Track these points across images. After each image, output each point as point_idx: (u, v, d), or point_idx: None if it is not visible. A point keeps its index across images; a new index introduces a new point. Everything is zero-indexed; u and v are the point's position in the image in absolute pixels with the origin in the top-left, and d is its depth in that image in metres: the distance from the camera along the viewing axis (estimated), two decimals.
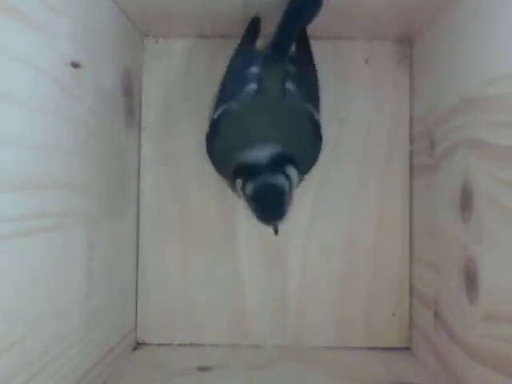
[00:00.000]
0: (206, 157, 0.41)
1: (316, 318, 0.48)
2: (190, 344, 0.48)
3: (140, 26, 0.47)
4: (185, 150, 0.48)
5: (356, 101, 0.49)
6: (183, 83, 0.49)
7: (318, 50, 0.49)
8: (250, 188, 0.36)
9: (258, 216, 0.37)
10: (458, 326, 0.36)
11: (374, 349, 0.47)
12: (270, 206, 0.36)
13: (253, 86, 0.39)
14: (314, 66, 0.43)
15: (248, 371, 0.42)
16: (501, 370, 0.30)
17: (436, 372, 0.40)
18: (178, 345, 0.48)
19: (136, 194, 0.48)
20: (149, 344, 0.48)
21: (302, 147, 0.39)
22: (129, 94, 0.45)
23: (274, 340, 0.48)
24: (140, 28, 0.47)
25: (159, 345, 0.48)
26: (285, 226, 0.48)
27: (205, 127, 0.42)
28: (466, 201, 0.35)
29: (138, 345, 0.48)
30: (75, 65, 0.33)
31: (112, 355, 0.41)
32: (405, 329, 0.48)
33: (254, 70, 0.40)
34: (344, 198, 0.48)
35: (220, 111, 0.40)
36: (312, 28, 0.46)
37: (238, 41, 0.43)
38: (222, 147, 0.40)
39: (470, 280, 0.34)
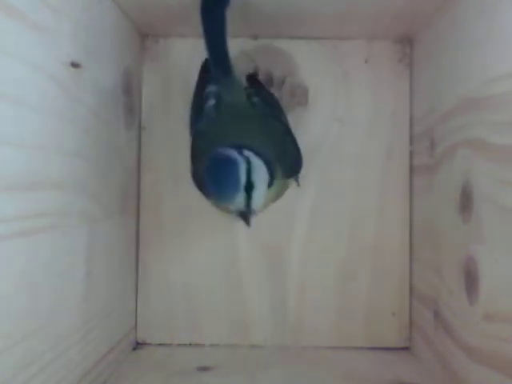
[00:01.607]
0: None
1: (316, 319, 0.48)
2: (190, 344, 0.48)
3: (140, 25, 0.47)
4: (185, 149, 0.48)
5: (356, 101, 0.49)
6: (183, 83, 0.49)
7: (318, 49, 0.49)
8: (203, 167, 0.34)
9: (212, 193, 0.34)
10: (458, 325, 0.36)
11: (374, 349, 0.47)
12: (221, 177, 0.33)
13: (211, 102, 0.40)
14: (272, 94, 0.45)
15: (248, 371, 0.42)
16: (501, 369, 0.30)
17: (436, 372, 0.40)
18: (178, 345, 0.48)
19: (136, 194, 0.48)
20: (149, 344, 0.48)
21: (277, 151, 0.38)
22: (129, 94, 0.45)
23: (274, 340, 0.48)
24: (140, 28, 0.47)
25: (159, 345, 0.48)
26: (285, 225, 0.48)
27: None
28: (466, 201, 0.35)
29: (138, 345, 0.48)
30: (75, 65, 0.33)
31: (112, 355, 0.41)
32: (405, 329, 0.48)
33: (210, 88, 0.40)
34: (344, 198, 0.48)
35: (191, 137, 0.40)
36: (312, 28, 0.47)
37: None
38: (199, 166, 0.37)
39: (470, 280, 0.34)
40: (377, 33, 0.47)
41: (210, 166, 0.34)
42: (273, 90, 0.48)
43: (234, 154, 0.34)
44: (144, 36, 0.49)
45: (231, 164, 0.33)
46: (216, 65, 0.40)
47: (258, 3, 0.41)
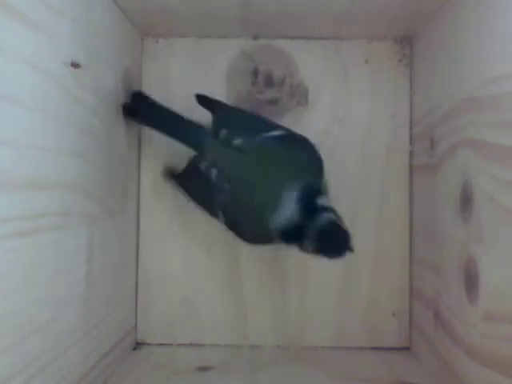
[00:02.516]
0: None
1: (316, 318, 0.48)
2: (190, 344, 0.48)
3: (140, 26, 0.47)
4: (185, 149, 0.48)
5: (356, 101, 0.49)
6: (183, 83, 0.49)
7: (318, 49, 0.49)
8: (312, 244, 0.36)
9: (326, 257, 0.37)
10: (458, 325, 0.36)
11: (374, 349, 0.47)
12: (339, 243, 0.36)
13: (213, 174, 0.40)
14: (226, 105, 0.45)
15: (248, 371, 0.42)
16: (501, 370, 0.30)
17: (436, 372, 0.40)
18: (178, 345, 0.48)
19: (136, 194, 0.48)
20: (149, 344, 0.48)
21: (302, 172, 0.39)
22: (129, 93, 0.45)
23: (274, 340, 0.48)
24: (140, 28, 0.47)
25: (159, 345, 0.48)
26: None
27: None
28: (466, 201, 0.35)
29: (138, 345, 0.48)
30: (75, 65, 0.33)
31: (112, 355, 0.41)
32: (405, 329, 0.48)
33: (202, 165, 0.41)
34: (344, 198, 0.48)
35: (221, 215, 0.41)
36: (312, 28, 0.47)
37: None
38: (240, 222, 0.40)
39: (470, 280, 0.34)
40: (377, 33, 0.47)
41: (324, 239, 0.36)
42: (273, 90, 0.49)
43: (329, 217, 0.36)
44: (144, 36, 0.49)
45: (344, 236, 0.36)
46: (194, 144, 0.42)
47: (257, 3, 0.41)
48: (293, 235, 0.37)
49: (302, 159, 0.40)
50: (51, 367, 0.30)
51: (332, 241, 0.36)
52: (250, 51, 0.49)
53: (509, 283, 0.29)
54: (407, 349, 0.48)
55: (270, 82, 0.49)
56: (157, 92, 0.49)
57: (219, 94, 0.49)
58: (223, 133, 0.40)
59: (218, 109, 0.43)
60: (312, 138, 0.48)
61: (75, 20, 0.33)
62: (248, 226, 0.40)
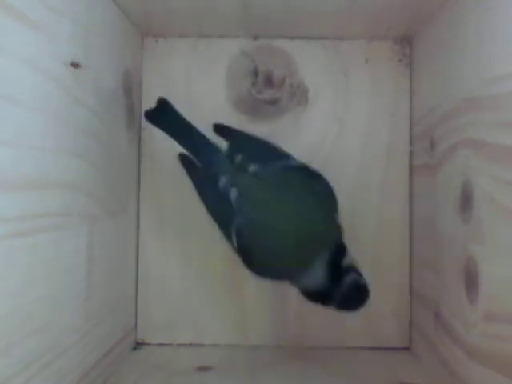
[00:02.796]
0: None
1: (316, 318, 0.48)
2: (190, 344, 0.48)
3: (140, 26, 0.47)
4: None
5: (356, 101, 0.49)
6: (183, 83, 0.49)
7: (318, 49, 0.49)
8: (334, 305, 0.38)
9: (345, 310, 0.39)
10: (458, 325, 0.36)
11: (374, 349, 0.47)
12: (360, 301, 0.38)
13: (233, 194, 0.40)
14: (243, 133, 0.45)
15: (248, 371, 0.42)
16: (501, 370, 0.30)
17: (436, 372, 0.40)
18: (178, 345, 0.48)
19: (136, 193, 0.48)
20: (149, 344, 0.48)
21: (313, 212, 0.39)
22: (129, 94, 0.45)
23: (274, 340, 0.48)
24: (140, 28, 0.47)
25: (159, 345, 0.48)
26: None
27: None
28: (466, 201, 0.35)
29: (138, 345, 0.48)
30: (75, 65, 0.33)
31: (112, 355, 0.41)
32: (405, 329, 0.48)
33: (222, 179, 0.40)
34: (344, 198, 0.48)
35: (234, 236, 0.40)
36: (312, 28, 0.47)
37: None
38: (266, 263, 0.40)
39: (470, 280, 0.34)
40: (377, 33, 0.47)
41: (348, 300, 0.38)
42: (273, 90, 0.49)
43: (352, 277, 0.37)
44: (144, 36, 0.49)
45: (365, 293, 0.38)
46: (208, 162, 0.41)
47: (258, 3, 0.41)
48: (317, 296, 0.39)
49: (321, 193, 0.40)
50: (51, 367, 0.30)
51: (355, 301, 0.38)
52: (250, 51, 0.49)
53: (509, 283, 0.29)
54: (407, 349, 0.48)
55: (269, 81, 0.49)
56: (157, 92, 0.49)
57: (219, 93, 0.49)
58: (238, 158, 0.41)
59: (234, 136, 0.44)
60: (312, 137, 0.49)
61: (75, 20, 0.33)
62: (262, 258, 0.40)
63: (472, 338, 0.33)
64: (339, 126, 0.49)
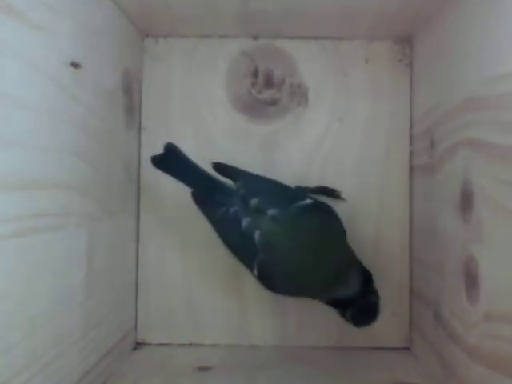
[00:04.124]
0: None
1: (316, 318, 0.48)
2: (190, 344, 0.48)
3: (140, 26, 0.47)
4: (185, 149, 0.48)
5: (356, 101, 0.49)
6: (183, 83, 0.49)
7: (318, 49, 0.49)
8: (351, 315, 0.42)
9: (358, 326, 0.43)
10: (458, 325, 0.36)
11: (374, 349, 0.47)
12: (371, 320, 0.42)
13: (256, 235, 0.41)
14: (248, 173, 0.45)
15: (248, 371, 0.42)
16: (501, 370, 0.30)
17: (436, 372, 0.40)
18: (178, 345, 0.48)
19: (136, 193, 0.48)
20: (149, 344, 0.48)
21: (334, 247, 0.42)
22: (129, 94, 0.45)
23: (274, 340, 0.48)
24: (140, 28, 0.47)
25: (159, 345, 0.48)
26: None
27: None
28: (466, 201, 0.35)
29: (138, 345, 0.48)
30: (75, 65, 0.33)
31: (112, 355, 0.41)
32: (405, 329, 0.48)
33: (245, 221, 0.41)
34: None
35: (256, 269, 0.42)
36: (312, 28, 0.47)
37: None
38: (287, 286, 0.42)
39: (470, 280, 0.34)
40: (377, 33, 0.47)
41: (364, 315, 0.42)
42: (273, 90, 0.48)
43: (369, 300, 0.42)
44: (144, 36, 0.49)
45: (377, 315, 0.42)
46: (222, 204, 0.42)
47: (257, 3, 0.41)
48: (343, 303, 0.42)
49: (335, 225, 0.42)
50: (51, 367, 0.30)
51: (368, 318, 0.42)
52: (250, 51, 0.49)
53: (509, 283, 0.29)
54: (407, 349, 0.48)
55: (269, 82, 0.49)
56: (157, 92, 0.49)
57: (219, 93, 0.49)
58: (255, 201, 0.41)
59: (239, 175, 0.44)
60: (312, 138, 0.49)
61: (75, 20, 0.33)
62: (284, 288, 0.43)
63: (472, 338, 0.33)
64: (339, 126, 0.49)
